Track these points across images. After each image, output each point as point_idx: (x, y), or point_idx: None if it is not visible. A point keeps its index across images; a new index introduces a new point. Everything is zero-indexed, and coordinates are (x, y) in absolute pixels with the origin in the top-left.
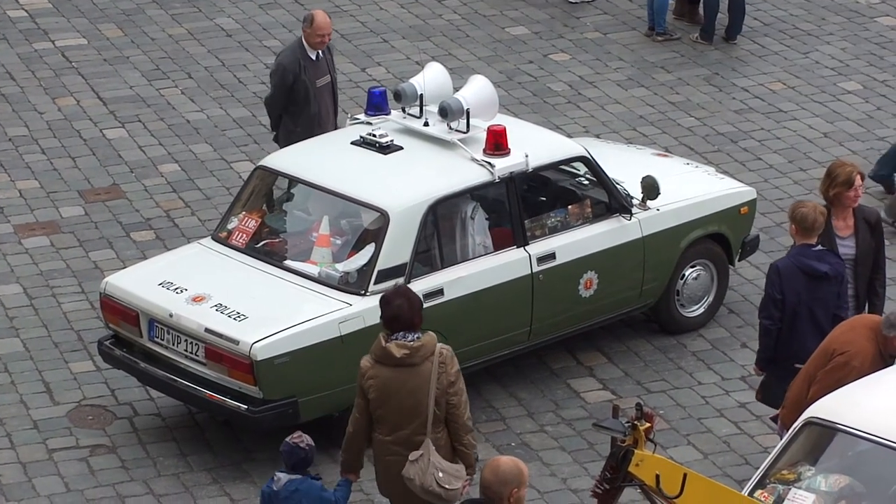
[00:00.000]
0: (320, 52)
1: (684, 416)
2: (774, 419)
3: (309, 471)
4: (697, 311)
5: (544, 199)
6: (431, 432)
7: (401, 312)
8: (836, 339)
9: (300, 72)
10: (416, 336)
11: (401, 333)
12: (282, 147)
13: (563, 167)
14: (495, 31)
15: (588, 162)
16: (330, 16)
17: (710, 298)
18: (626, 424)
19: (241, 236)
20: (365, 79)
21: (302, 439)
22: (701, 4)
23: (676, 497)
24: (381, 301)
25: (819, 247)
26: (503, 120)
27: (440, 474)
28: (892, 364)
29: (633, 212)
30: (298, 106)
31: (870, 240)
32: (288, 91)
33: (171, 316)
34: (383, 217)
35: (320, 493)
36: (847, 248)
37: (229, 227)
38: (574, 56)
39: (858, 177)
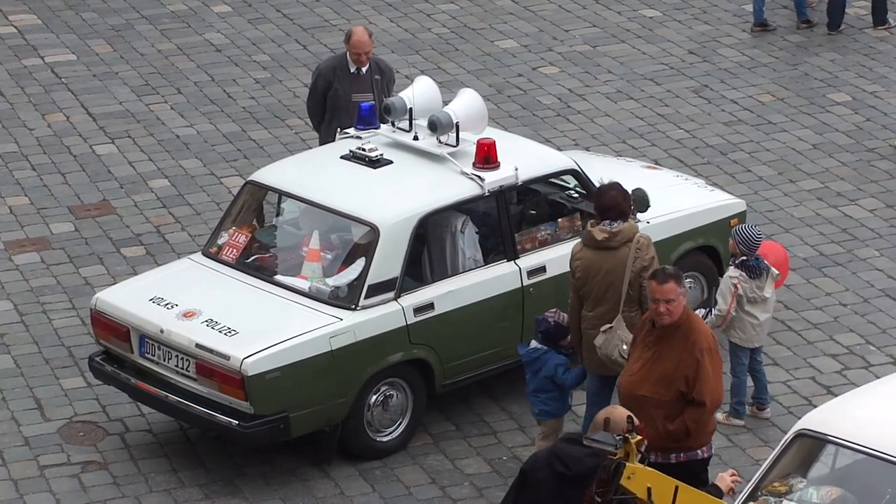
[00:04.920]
0: (363, 69)
1: None
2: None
3: (559, 344)
4: None
5: (534, 212)
6: (624, 310)
7: (615, 203)
8: None
9: (333, 80)
10: (617, 223)
11: (607, 221)
12: None
13: (552, 180)
14: (484, 45)
15: (578, 175)
16: (320, 30)
17: (701, 311)
18: (618, 437)
19: (232, 251)
20: None
21: (559, 316)
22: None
23: None
24: (597, 192)
25: None
26: (493, 133)
27: (624, 346)
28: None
29: None
30: (333, 115)
31: None
32: (322, 96)
33: (161, 332)
34: (373, 231)
35: (555, 367)
36: None
37: (219, 242)
38: (563, 69)
39: None
